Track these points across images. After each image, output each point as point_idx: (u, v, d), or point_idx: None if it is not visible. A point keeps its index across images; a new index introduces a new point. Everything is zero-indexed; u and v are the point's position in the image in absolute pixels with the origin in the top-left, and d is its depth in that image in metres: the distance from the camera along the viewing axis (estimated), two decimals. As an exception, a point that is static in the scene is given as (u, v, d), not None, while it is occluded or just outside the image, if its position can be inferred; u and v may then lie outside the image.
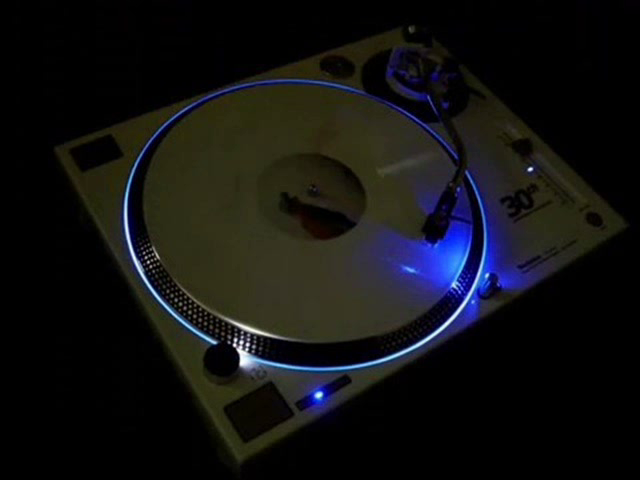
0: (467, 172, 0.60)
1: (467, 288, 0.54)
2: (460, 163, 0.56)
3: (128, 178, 0.56)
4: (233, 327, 0.49)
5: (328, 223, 0.55)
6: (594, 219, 0.60)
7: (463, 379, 0.56)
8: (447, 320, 0.52)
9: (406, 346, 0.50)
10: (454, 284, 0.53)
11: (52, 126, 0.65)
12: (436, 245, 0.55)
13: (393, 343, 0.50)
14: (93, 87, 0.70)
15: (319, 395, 0.47)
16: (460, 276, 0.54)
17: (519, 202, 0.60)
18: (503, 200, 0.60)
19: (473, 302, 0.53)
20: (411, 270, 0.53)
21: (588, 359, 0.59)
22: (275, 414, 0.46)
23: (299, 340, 0.48)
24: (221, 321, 0.49)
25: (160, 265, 0.51)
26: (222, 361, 0.46)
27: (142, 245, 0.52)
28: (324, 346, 0.49)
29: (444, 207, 0.54)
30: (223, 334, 0.48)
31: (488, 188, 0.61)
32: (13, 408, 0.51)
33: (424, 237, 0.55)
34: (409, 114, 0.64)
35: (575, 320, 0.61)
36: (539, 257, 0.57)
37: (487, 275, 0.53)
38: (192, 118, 0.60)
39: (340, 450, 0.51)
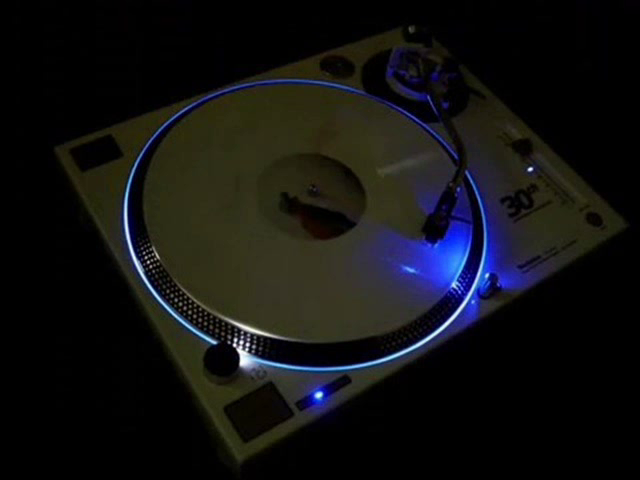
0: (467, 172, 0.60)
1: (467, 288, 0.54)
2: (460, 163, 0.56)
3: (128, 178, 0.56)
4: (233, 327, 0.49)
5: (328, 223, 0.55)
6: (594, 219, 0.60)
7: (463, 379, 0.56)
8: (447, 320, 0.52)
9: (406, 346, 0.50)
10: (454, 284, 0.53)
11: (52, 126, 0.65)
12: (436, 245, 0.55)
13: (393, 343, 0.50)
14: (93, 87, 0.70)
15: (319, 395, 0.47)
16: (460, 276, 0.54)
17: (519, 202, 0.60)
18: (503, 200, 0.60)
19: (473, 302, 0.53)
20: (411, 270, 0.53)
21: (588, 359, 0.59)
22: (275, 414, 0.46)
23: (299, 340, 0.48)
24: (221, 321, 0.49)
25: (160, 265, 0.51)
26: (222, 361, 0.46)
27: (142, 245, 0.52)
28: (324, 346, 0.49)
29: (444, 207, 0.54)
30: (223, 334, 0.48)
31: (488, 188, 0.61)
32: (13, 408, 0.51)
33: (424, 237, 0.55)
34: (409, 114, 0.64)
35: (575, 320, 0.61)
36: (539, 257, 0.57)
37: (487, 275, 0.53)
38: (192, 118, 0.60)
39: (340, 450, 0.51)
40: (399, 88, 0.66)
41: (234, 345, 0.48)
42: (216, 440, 0.46)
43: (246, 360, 0.48)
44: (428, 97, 0.63)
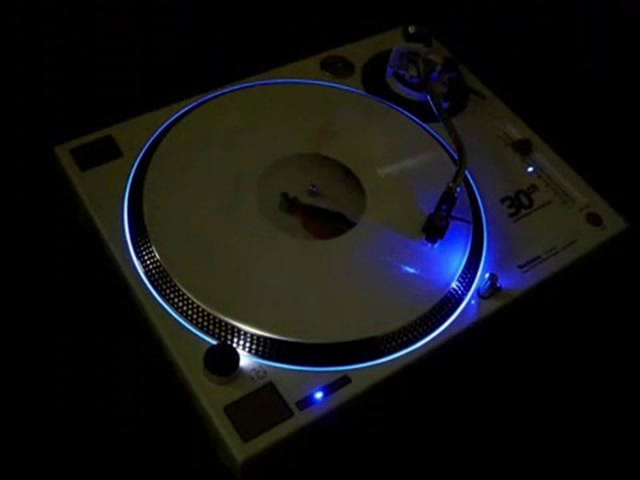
0: (467, 172, 0.60)
1: (467, 288, 0.54)
2: (460, 163, 0.56)
3: (128, 178, 0.56)
4: (233, 327, 0.49)
5: (328, 223, 0.55)
6: (594, 219, 0.60)
7: (463, 379, 0.56)
8: (447, 320, 0.52)
9: (406, 346, 0.50)
10: (454, 284, 0.53)
11: (52, 126, 0.65)
12: (436, 245, 0.55)
13: (393, 343, 0.50)
14: (93, 87, 0.70)
15: (319, 395, 0.47)
16: (460, 276, 0.54)
17: (519, 202, 0.60)
18: (503, 200, 0.60)
19: (473, 302, 0.53)
20: (411, 270, 0.53)
21: (588, 359, 0.59)
22: (275, 414, 0.46)
23: (299, 340, 0.48)
24: (221, 321, 0.49)
25: (160, 265, 0.51)
26: (222, 361, 0.46)
27: (142, 245, 0.52)
28: (324, 346, 0.49)
29: (444, 207, 0.54)
30: (223, 334, 0.48)
31: (488, 188, 0.61)
32: (13, 408, 0.51)
33: (424, 237, 0.55)
34: (409, 114, 0.64)
35: (575, 320, 0.61)
36: (539, 257, 0.57)
37: (487, 275, 0.53)
38: (192, 118, 0.60)
39: (340, 450, 0.51)
40: (399, 88, 0.66)
41: (234, 345, 0.48)
42: (216, 440, 0.46)
43: (246, 360, 0.48)
44: (428, 97, 0.63)
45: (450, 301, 0.53)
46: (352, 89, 0.66)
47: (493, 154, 0.64)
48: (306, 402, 0.46)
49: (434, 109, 0.62)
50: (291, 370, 0.48)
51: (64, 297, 0.56)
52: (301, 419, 0.46)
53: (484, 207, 0.59)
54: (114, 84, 0.70)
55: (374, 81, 0.67)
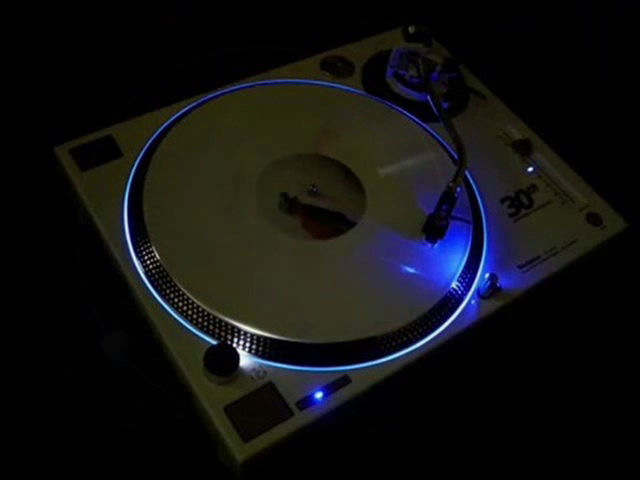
0: (467, 172, 0.60)
1: (467, 288, 0.54)
2: (460, 163, 0.56)
3: (128, 178, 0.56)
4: (233, 327, 0.49)
5: (328, 223, 0.55)
6: (594, 219, 0.60)
7: (463, 379, 0.56)
8: (447, 320, 0.52)
9: (406, 346, 0.50)
10: (454, 284, 0.53)
11: (52, 126, 0.65)
12: (436, 245, 0.55)
13: (393, 343, 0.50)
14: (93, 87, 0.70)
15: (319, 395, 0.47)
16: (460, 276, 0.54)
17: (519, 202, 0.60)
18: (503, 200, 0.60)
19: (473, 302, 0.53)
20: (411, 270, 0.53)
21: (588, 359, 0.59)
22: (275, 414, 0.46)
23: (299, 340, 0.48)
24: (221, 321, 0.49)
25: (160, 265, 0.51)
26: (222, 361, 0.46)
27: (142, 245, 0.52)
28: (324, 346, 0.49)
29: (444, 207, 0.54)
30: (223, 334, 0.48)
31: (488, 188, 0.61)
32: (13, 408, 0.51)
33: (424, 237, 0.55)
34: (409, 114, 0.64)
35: (575, 320, 0.61)
36: (539, 257, 0.57)
37: (487, 275, 0.53)
38: (192, 118, 0.60)
39: (340, 450, 0.51)
40: (399, 88, 0.66)
41: (234, 345, 0.48)
42: (216, 440, 0.46)
43: (246, 360, 0.48)
44: (428, 97, 0.63)
45: (450, 301, 0.53)
46: (352, 89, 0.66)
47: (493, 154, 0.64)
48: (306, 402, 0.46)
49: (434, 109, 0.62)
50: (291, 370, 0.48)
51: (64, 297, 0.56)
52: (301, 419, 0.46)
53: (484, 207, 0.59)
54: (114, 84, 0.70)
55: (374, 81, 0.67)
